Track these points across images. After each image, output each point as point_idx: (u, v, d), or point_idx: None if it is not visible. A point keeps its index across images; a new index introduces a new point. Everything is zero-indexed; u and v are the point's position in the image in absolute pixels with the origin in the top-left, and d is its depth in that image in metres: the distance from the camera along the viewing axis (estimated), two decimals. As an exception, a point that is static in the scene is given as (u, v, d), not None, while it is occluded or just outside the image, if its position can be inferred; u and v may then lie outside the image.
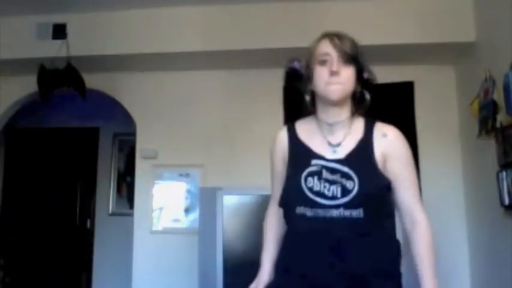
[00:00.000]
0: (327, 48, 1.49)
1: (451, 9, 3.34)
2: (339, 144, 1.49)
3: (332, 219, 1.39)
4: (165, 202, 3.78)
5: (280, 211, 1.58)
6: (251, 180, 3.56)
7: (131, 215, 3.86)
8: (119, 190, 4.98)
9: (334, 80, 1.46)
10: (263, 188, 3.40)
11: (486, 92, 2.97)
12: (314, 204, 1.41)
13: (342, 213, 1.39)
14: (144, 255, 3.70)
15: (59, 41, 3.53)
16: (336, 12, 3.43)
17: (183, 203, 3.77)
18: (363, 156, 1.46)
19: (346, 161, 1.45)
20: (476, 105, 3.13)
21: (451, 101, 3.69)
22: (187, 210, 3.75)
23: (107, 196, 4.99)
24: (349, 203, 1.39)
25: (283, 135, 1.59)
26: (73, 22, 3.60)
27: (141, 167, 3.85)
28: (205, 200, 3.30)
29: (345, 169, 1.42)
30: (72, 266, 4.94)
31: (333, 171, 1.43)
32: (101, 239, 4.92)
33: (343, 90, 1.48)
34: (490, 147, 2.92)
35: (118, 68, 3.86)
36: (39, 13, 3.58)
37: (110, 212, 4.96)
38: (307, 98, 1.55)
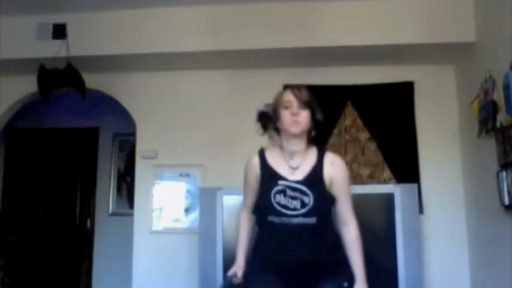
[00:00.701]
0: (289, 97, 2.03)
1: (451, 9, 3.34)
2: (297, 167, 2.01)
3: (294, 225, 1.94)
4: (165, 202, 3.78)
5: (251, 216, 2.12)
6: (251, 180, 3.56)
7: (131, 215, 3.86)
8: (118, 190, 4.98)
9: (295, 119, 1.99)
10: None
11: (486, 92, 2.97)
12: (280, 214, 1.94)
13: (301, 221, 1.93)
14: (144, 255, 3.70)
15: (59, 41, 3.54)
16: (335, 12, 3.44)
17: (183, 203, 3.77)
18: (316, 178, 1.99)
19: (303, 182, 1.97)
20: (476, 105, 3.14)
21: (451, 101, 3.69)
22: (187, 210, 3.75)
23: (107, 196, 4.98)
24: (306, 213, 1.93)
25: (256, 161, 2.08)
26: (73, 22, 3.60)
27: (141, 167, 3.85)
28: (205, 200, 3.30)
29: (303, 188, 1.95)
30: (72, 266, 4.94)
31: (294, 189, 1.96)
32: (101, 239, 4.92)
33: (301, 127, 2.00)
34: (490, 147, 2.92)
35: (118, 68, 3.86)
36: (39, 13, 3.59)
37: (110, 212, 4.96)
38: (273, 132, 2.10)
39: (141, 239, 3.73)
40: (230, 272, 2.08)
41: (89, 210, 5.04)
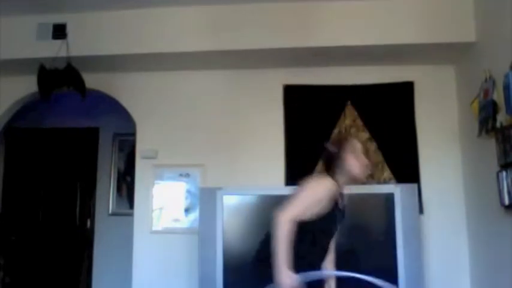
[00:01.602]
0: (358, 145, 2.35)
1: (451, 9, 3.35)
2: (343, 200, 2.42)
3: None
4: (165, 202, 3.78)
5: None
6: (251, 180, 3.56)
7: (131, 215, 3.87)
8: (119, 190, 4.98)
9: (367, 167, 2.37)
10: (263, 188, 3.41)
11: (486, 92, 2.97)
12: (333, 235, 2.38)
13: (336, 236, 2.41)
14: (144, 255, 3.70)
15: (59, 41, 3.54)
16: (335, 12, 3.44)
17: (183, 203, 3.77)
18: (344, 210, 2.42)
19: (343, 211, 2.39)
20: (476, 105, 3.14)
21: (451, 101, 3.70)
22: (187, 210, 3.75)
23: (107, 196, 4.98)
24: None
25: (336, 189, 2.27)
26: (73, 22, 3.60)
27: (141, 167, 3.85)
28: (205, 200, 3.31)
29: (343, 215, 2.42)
30: (72, 266, 4.94)
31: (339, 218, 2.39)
32: (101, 239, 4.92)
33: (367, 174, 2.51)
34: (490, 147, 2.92)
35: (118, 68, 3.86)
36: (39, 13, 3.59)
37: (110, 212, 4.96)
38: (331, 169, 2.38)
39: (141, 239, 3.73)
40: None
41: (89, 210, 5.04)
